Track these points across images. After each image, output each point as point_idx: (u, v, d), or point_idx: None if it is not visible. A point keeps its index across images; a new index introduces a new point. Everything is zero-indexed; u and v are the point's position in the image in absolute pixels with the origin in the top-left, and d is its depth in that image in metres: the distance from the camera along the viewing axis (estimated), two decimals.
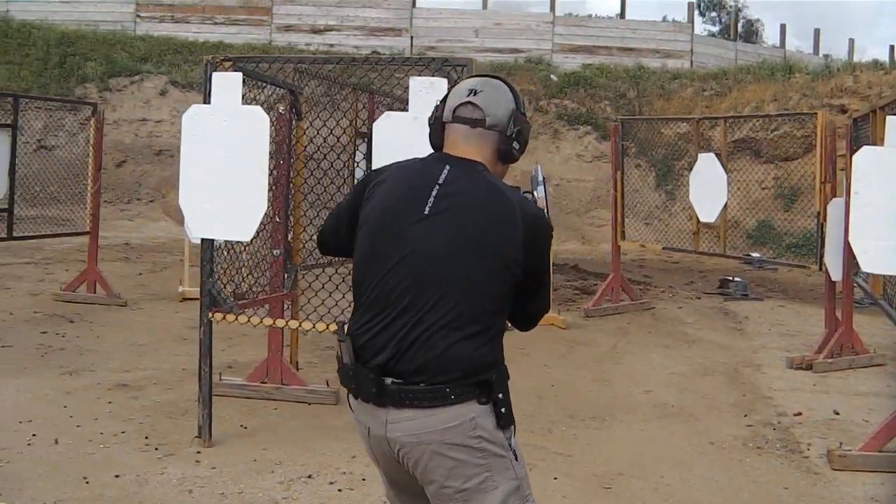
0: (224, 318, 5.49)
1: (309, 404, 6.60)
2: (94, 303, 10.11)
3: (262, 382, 6.62)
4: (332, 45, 22.63)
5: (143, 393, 6.79)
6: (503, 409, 2.62)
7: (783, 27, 26.29)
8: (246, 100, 5.52)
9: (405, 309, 2.60)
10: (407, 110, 5.19)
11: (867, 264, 5.72)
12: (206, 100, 5.45)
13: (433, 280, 2.59)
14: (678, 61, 23.32)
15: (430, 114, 2.91)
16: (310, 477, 5.23)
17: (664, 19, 26.84)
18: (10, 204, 9.15)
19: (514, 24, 23.53)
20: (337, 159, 6.70)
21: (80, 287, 10.33)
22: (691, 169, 10.96)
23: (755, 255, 14.16)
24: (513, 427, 2.68)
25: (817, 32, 26.65)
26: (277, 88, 6.32)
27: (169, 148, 18.88)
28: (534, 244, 2.68)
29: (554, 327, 9.76)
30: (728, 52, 24.37)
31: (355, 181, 6.46)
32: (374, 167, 3.88)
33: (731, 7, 34.89)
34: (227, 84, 5.35)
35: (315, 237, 4.63)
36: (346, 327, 2.71)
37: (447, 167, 2.72)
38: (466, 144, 2.78)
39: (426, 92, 5.03)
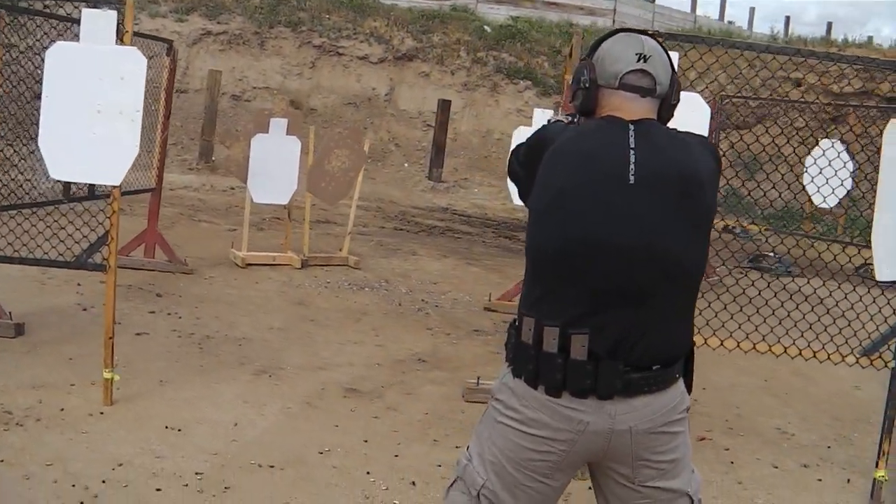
0: None
1: None
2: (154, 269, 8.69)
3: None
4: None
5: (393, 402, 5.77)
6: (691, 379, 2.61)
7: None
8: None
9: (640, 295, 2.41)
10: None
11: None
12: None
13: (665, 262, 2.42)
14: (601, 19, 22.96)
15: (578, 76, 2.63)
16: None
17: None
18: None
19: None
20: None
21: (136, 251, 8.85)
22: None
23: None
24: None
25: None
26: None
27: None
28: (720, 166, 2.61)
29: None
30: (647, 14, 24.16)
31: None
32: None
33: None
34: None
35: None
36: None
37: (631, 128, 2.48)
38: (635, 108, 2.54)
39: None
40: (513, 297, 8.36)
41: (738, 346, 5.17)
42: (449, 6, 21.99)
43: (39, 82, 6.87)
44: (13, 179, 7.12)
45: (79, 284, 7.82)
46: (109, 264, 5.12)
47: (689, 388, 2.60)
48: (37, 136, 5.19)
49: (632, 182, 2.42)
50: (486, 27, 20.97)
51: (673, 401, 2.51)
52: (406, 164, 18.20)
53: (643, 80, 2.55)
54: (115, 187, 5.10)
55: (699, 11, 26.00)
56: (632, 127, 2.48)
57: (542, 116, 6.94)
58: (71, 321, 6.82)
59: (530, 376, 2.47)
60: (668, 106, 2.62)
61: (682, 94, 4.50)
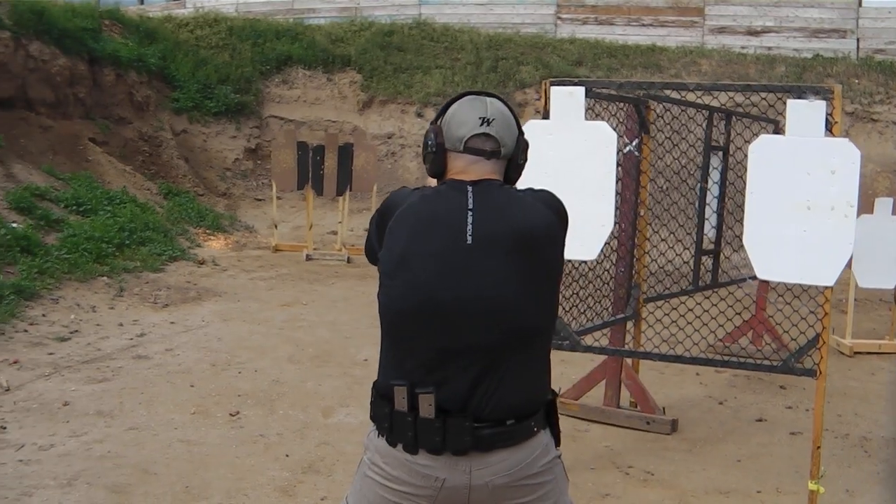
0: None
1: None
2: (757, 358, 8.34)
3: None
4: (769, 49, 20.51)
5: None
6: (558, 429, 2.64)
7: None
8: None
9: (484, 351, 2.45)
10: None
11: None
12: None
13: (506, 317, 2.47)
14: None
15: (429, 140, 2.63)
16: None
17: None
18: (717, 245, 7.55)
19: None
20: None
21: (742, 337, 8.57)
22: None
23: None
24: None
25: None
26: None
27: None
28: (565, 220, 2.64)
29: None
30: None
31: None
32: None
33: None
34: None
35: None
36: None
37: (469, 189, 2.54)
38: (479, 170, 2.59)
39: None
40: None
41: None
42: None
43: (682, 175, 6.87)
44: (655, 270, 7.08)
45: (697, 374, 7.69)
46: (820, 370, 4.82)
47: (556, 438, 2.63)
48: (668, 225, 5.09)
49: (469, 242, 2.49)
50: None
51: (532, 454, 2.53)
52: None
53: (487, 143, 2.60)
54: (827, 288, 4.82)
55: None
56: (470, 189, 2.55)
57: None
58: (712, 416, 6.65)
59: (387, 434, 2.53)
60: (515, 166, 2.67)
61: None
